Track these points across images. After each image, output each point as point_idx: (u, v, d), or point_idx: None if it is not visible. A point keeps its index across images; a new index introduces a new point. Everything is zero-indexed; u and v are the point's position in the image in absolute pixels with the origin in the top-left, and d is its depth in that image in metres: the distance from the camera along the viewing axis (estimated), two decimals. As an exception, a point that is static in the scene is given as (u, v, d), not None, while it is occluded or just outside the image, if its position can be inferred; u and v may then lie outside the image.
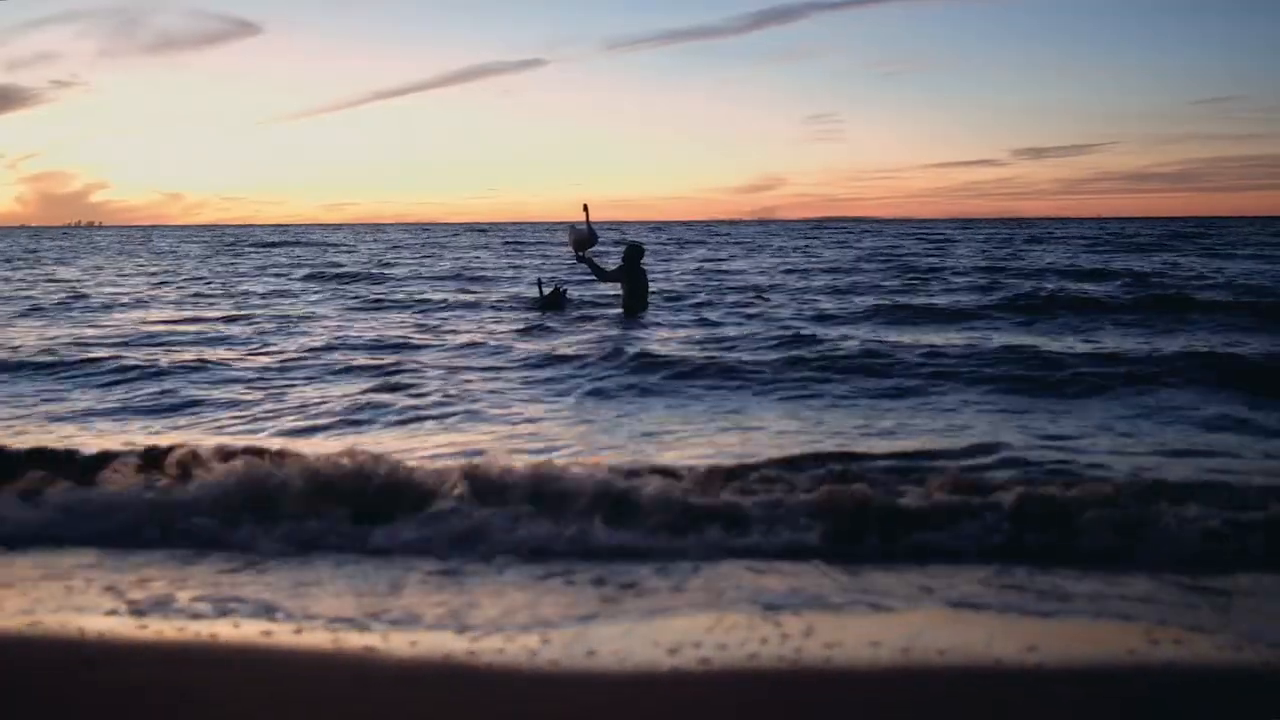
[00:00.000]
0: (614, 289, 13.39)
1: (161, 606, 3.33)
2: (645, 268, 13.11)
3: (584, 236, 12.42)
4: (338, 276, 22.90)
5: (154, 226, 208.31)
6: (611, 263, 13.37)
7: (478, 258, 31.38)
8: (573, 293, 14.50)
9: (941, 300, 14.62)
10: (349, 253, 37.06)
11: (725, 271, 23.07)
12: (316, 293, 18.36)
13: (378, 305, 15.72)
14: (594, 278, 12.89)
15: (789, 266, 24.72)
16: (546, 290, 13.83)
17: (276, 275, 24.06)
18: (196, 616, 3.26)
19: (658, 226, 79.43)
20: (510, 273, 23.47)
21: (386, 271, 24.67)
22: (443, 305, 15.40)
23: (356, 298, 17.07)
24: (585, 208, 12.30)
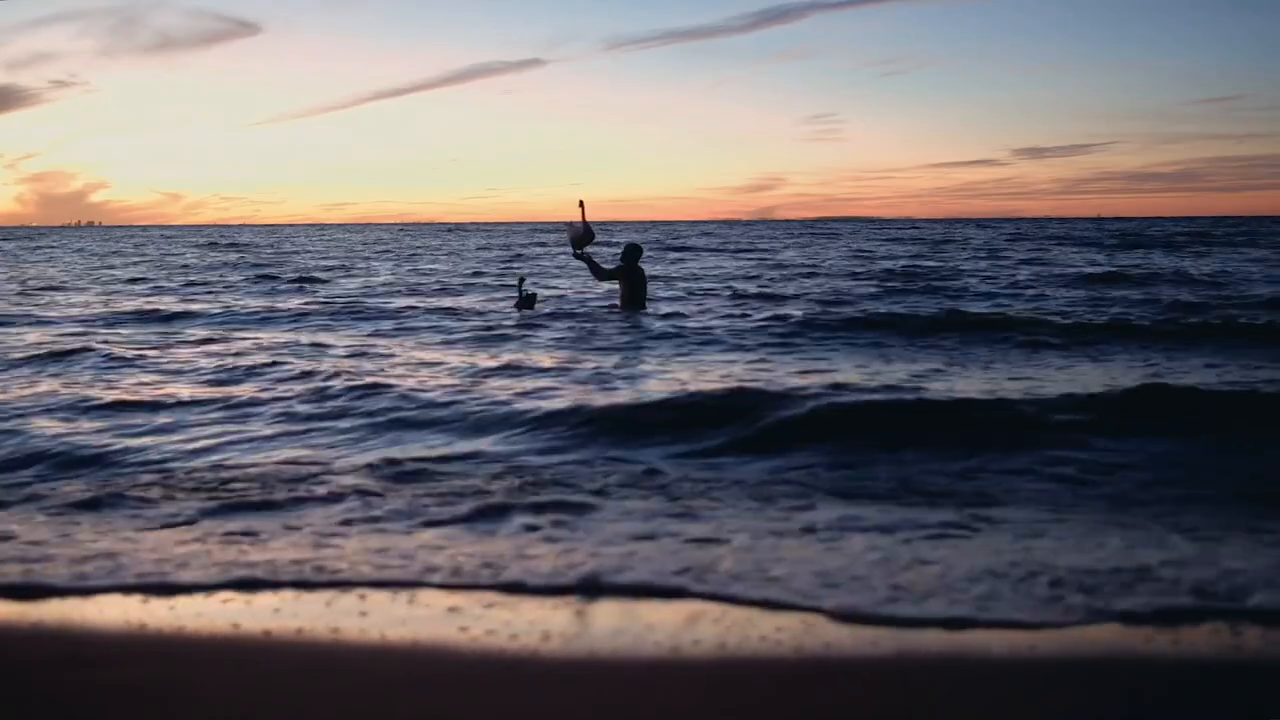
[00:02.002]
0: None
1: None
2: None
3: (581, 234, 12.43)
4: (272, 279, 22.21)
5: (153, 226, 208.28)
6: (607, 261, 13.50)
7: (442, 263, 30.12)
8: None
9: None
10: (313, 256, 35.92)
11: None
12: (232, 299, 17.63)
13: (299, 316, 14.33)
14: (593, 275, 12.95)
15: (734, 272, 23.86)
16: (527, 291, 14.31)
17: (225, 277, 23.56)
18: (198, 614, 3.27)
19: (640, 228, 77.45)
20: (472, 282, 21.94)
21: (325, 276, 23.30)
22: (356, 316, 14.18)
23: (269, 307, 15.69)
24: (581, 204, 12.32)
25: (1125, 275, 20.25)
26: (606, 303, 14.65)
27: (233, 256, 36.17)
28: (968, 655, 2.93)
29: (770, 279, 21.40)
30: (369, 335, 12.08)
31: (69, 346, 10.55)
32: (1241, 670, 2.85)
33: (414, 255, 37.22)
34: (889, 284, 18.89)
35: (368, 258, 34.99)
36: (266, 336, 11.83)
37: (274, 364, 9.14)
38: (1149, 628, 3.09)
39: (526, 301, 13.97)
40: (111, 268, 29.22)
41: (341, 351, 10.28)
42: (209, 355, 10.00)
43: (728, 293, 17.32)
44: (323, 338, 11.70)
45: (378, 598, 3.43)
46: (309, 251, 41.47)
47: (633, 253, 12.65)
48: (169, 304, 16.53)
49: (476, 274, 24.70)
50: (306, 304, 16.19)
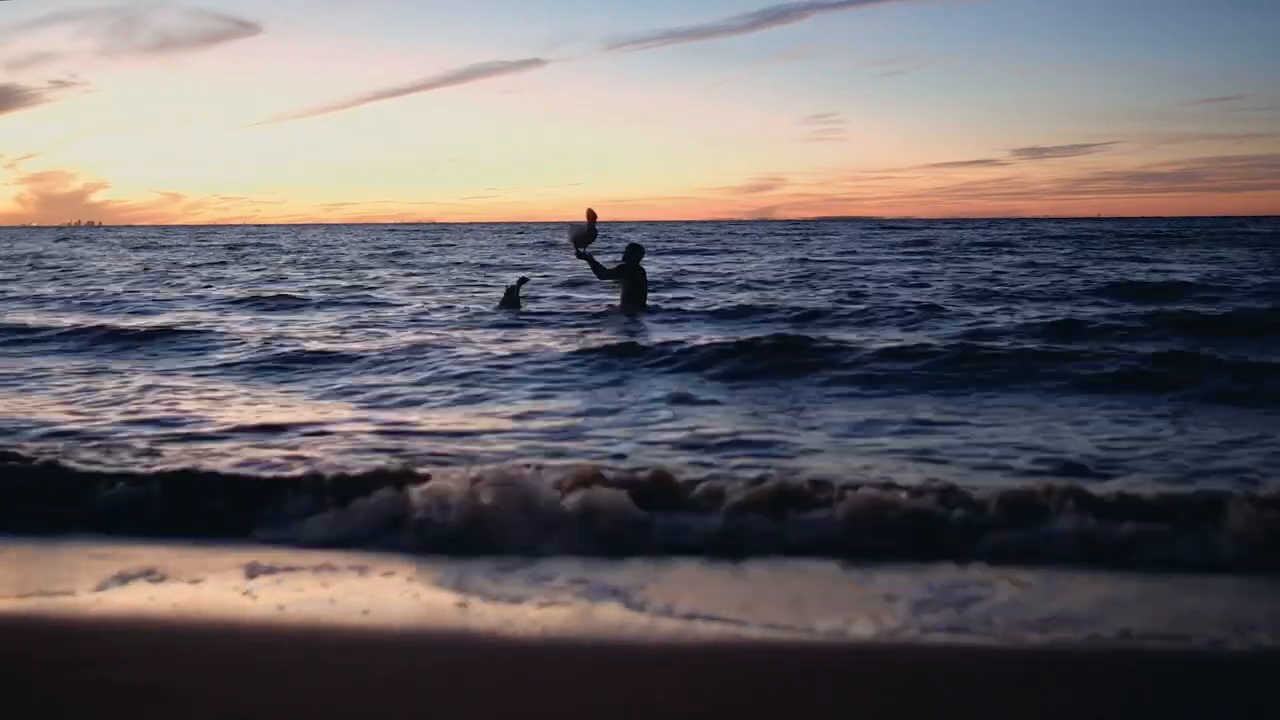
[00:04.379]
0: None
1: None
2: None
3: (584, 232, 12.41)
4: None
5: (152, 226, 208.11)
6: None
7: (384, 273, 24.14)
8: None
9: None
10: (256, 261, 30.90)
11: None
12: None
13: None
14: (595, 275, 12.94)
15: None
16: (525, 287, 14.14)
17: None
18: (198, 613, 3.27)
19: (631, 228, 75.06)
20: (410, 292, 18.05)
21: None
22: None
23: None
24: (591, 213, 12.28)
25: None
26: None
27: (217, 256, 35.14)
28: (971, 653, 2.93)
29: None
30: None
31: None
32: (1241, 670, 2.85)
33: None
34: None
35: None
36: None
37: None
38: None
39: (511, 296, 13.83)
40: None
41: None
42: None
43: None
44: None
45: (380, 596, 3.44)
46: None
47: (634, 252, 12.66)
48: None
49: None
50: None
